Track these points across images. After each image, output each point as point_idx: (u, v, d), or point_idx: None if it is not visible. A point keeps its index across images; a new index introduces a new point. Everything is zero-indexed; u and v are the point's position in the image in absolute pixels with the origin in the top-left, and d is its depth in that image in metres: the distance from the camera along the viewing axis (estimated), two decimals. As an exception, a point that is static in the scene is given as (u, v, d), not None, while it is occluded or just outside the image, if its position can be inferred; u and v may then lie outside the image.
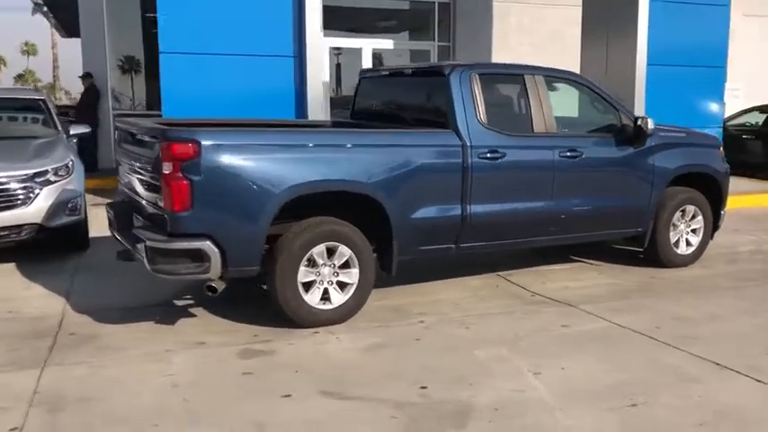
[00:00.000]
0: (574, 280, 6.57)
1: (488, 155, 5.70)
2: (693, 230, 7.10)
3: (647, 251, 6.94)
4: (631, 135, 6.45)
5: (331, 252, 5.16)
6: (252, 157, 4.84)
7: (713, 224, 7.20)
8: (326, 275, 5.18)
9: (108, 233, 8.48)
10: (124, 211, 5.73)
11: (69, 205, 7.08)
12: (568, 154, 6.11)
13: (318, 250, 5.10)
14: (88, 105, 13.06)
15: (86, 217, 7.52)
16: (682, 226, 7.01)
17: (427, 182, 5.48)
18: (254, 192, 4.83)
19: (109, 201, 6.33)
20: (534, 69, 6.25)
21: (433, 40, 13.64)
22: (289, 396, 3.99)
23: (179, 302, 5.91)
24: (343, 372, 4.35)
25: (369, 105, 6.85)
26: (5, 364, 4.50)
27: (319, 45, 10.06)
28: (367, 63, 12.49)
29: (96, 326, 5.26)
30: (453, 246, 5.77)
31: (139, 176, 5.28)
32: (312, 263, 5.10)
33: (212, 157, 4.68)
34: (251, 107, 9.69)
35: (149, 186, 5.07)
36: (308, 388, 4.09)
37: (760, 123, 13.42)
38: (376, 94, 6.82)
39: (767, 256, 7.65)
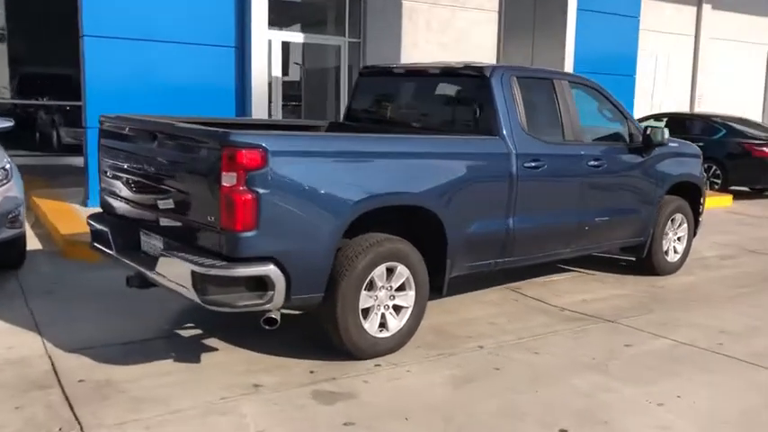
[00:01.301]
0: (584, 292, 6.40)
1: (532, 163, 5.35)
2: (679, 238, 7.19)
3: (644, 260, 6.92)
4: (641, 145, 6.38)
5: (388, 273, 4.58)
6: (322, 165, 4.15)
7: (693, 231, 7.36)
8: (383, 299, 4.59)
9: (38, 247, 7.34)
10: (124, 227, 4.76)
11: (10, 216, 5.87)
12: (595, 163, 5.91)
13: (379, 272, 4.49)
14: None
15: (25, 230, 6.31)
16: (670, 234, 7.07)
17: (479, 193, 5.03)
18: (326, 206, 4.15)
19: (92, 213, 5.25)
20: (559, 74, 5.98)
21: (344, 35, 13.14)
22: (424, 451, 3.40)
23: (184, 333, 5.04)
24: (453, 414, 3.80)
25: (373, 106, 6.26)
26: (27, 428, 3.51)
27: (266, 37, 9.22)
28: (276, 56, 11.76)
29: (104, 369, 4.31)
30: (494, 261, 5.37)
31: (163, 186, 4.37)
32: (370, 286, 4.49)
33: (281, 166, 3.94)
34: (186, 101, 8.73)
35: (186, 199, 4.21)
36: (436, 439, 3.52)
37: (660, 131, 14.16)
38: (383, 95, 6.24)
39: (734, 260, 7.93)
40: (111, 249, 4.73)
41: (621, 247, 6.77)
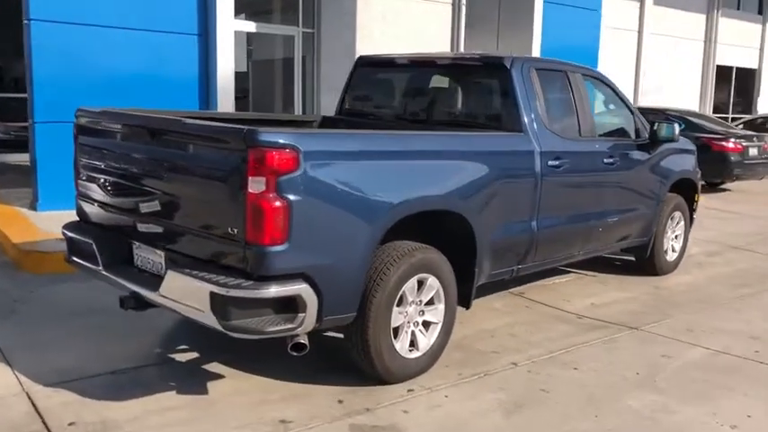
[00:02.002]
0: (590, 295, 6.09)
1: (555, 162, 4.97)
2: (676, 236, 6.99)
3: (646, 260, 6.67)
4: (647, 141, 6.10)
5: (418, 286, 4.11)
6: (357, 167, 3.65)
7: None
8: (413, 315, 4.12)
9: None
10: (112, 239, 4.11)
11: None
12: (609, 160, 5.59)
13: (411, 285, 4.02)
14: None
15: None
16: (669, 232, 6.85)
17: (506, 195, 4.61)
18: (361, 212, 3.65)
19: (68, 222, 4.53)
20: (573, 66, 5.62)
21: (297, 25, 12.57)
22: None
23: (179, 357, 4.43)
24: (517, 449, 3.38)
25: (372, 100, 5.75)
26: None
27: (232, 24, 8.55)
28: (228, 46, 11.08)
29: (95, 407, 3.68)
30: (516, 267, 4.97)
31: (165, 192, 3.75)
32: (400, 301, 4.01)
33: (313, 168, 3.41)
34: (144, 92, 8.00)
35: (196, 207, 3.61)
36: (513, 482, 3.08)
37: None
38: (383, 88, 5.74)
39: (722, 257, 7.81)
40: (96, 264, 4.07)
41: (626, 247, 6.49)
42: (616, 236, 6.01)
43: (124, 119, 3.98)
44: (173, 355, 4.44)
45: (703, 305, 5.90)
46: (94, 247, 4.06)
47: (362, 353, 3.89)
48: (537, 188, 4.84)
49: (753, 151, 12.85)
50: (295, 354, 3.60)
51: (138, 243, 3.99)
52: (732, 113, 22.64)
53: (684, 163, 6.83)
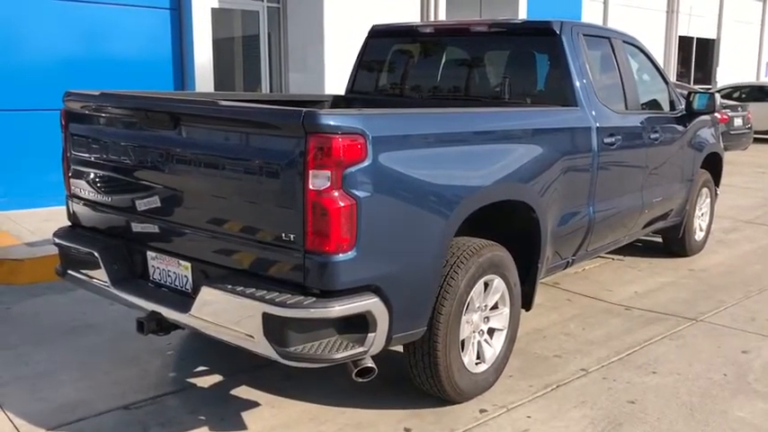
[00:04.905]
0: (628, 282, 5.63)
1: (610, 139, 4.44)
2: (702, 214, 6.58)
3: (677, 240, 6.23)
4: (683, 113, 5.62)
5: (484, 289, 3.54)
6: (429, 153, 3.04)
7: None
8: (478, 323, 3.55)
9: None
10: (122, 249, 3.40)
11: None
12: (655, 136, 5.10)
13: (478, 289, 3.45)
14: None
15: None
16: (697, 210, 6.43)
17: (567, 178, 4.04)
18: (434, 207, 3.06)
19: (59, 229, 3.78)
20: (615, 32, 5.08)
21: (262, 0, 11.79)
22: None
23: (199, 381, 3.77)
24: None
25: (390, 76, 5.11)
26: None
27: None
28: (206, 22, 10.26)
29: (115, 453, 3.02)
30: (570, 258, 4.45)
31: (193, 191, 3.08)
32: (467, 308, 3.43)
33: (384, 157, 2.78)
34: (110, 74, 7.19)
35: (236, 208, 2.94)
36: None
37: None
38: (402, 61, 5.08)
39: (740, 234, 7.44)
40: (102, 280, 3.36)
41: (661, 228, 6.01)
42: (657, 217, 5.54)
43: (135, 102, 3.26)
44: (191, 380, 3.78)
45: (750, 289, 5.48)
46: (99, 258, 3.35)
47: (430, 371, 3.30)
48: (594, 169, 4.31)
49: (738, 121, 12.64)
50: (360, 380, 2.98)
51: (154, 253, 3.30)
52: (693, 84, 22.63)
53: (712, 136, 6.39)
